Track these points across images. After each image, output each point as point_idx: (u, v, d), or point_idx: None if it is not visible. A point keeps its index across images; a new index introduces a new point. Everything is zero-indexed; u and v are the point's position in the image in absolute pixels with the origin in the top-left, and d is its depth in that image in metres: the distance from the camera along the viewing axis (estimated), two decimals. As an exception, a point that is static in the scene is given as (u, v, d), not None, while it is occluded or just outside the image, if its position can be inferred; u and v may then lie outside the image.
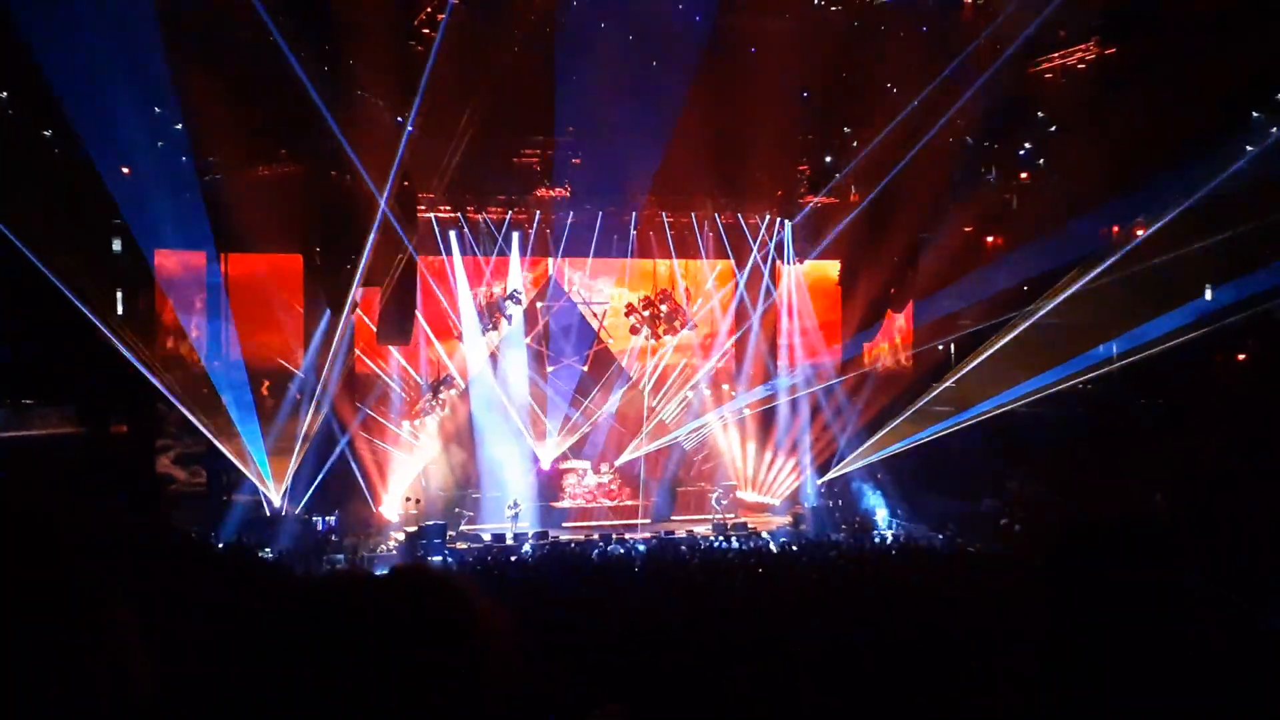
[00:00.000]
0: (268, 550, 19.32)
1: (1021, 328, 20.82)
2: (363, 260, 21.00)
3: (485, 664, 1.44)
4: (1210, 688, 1.84)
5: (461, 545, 21.58)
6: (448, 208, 23.51)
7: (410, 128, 20.37)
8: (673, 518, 24.64)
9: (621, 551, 19.42)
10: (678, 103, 20.56)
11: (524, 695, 1.49)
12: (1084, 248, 20.18)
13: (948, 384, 22.77)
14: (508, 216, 24.08)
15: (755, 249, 25.10)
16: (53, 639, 1.43)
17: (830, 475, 24.78)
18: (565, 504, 24.67)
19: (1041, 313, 20.60)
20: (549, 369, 25.18)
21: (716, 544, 20.85)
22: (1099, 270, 19.70)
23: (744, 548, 20.02)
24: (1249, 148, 17.66)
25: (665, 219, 24.75)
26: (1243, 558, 12.84)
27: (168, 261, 21.63)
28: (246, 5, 17.48)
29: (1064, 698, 1.85)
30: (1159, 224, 18.97)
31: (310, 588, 1.50)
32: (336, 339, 21.90)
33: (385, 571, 1.57)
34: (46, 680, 1.40)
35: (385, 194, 20.43)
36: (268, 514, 21.54)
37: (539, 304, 25.06)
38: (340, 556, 19.78)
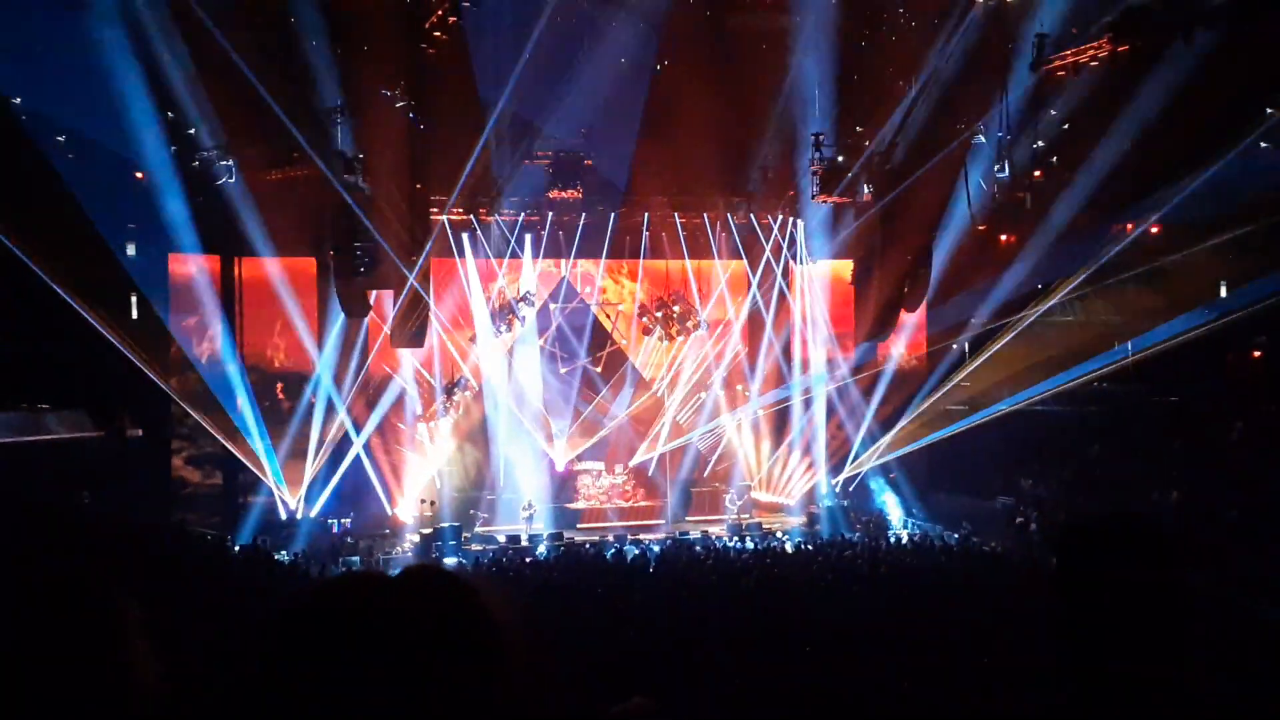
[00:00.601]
0: (284, 553, 19.39)
1: (1028, 321, 20.74)
2: (376, 264, 21.06)
3: (497, 661, 1.44)
4: (1214, 685, 1.83)
5: (476, 547, 21.57)
6: (460, 210, 23.51)
7: (423, 126, 20.43)
8: (687, 518, 24.60)
9: (636, 552, 19.37)
10: (689, 102, 20.51)
11: (537, 693, 1.49)
12: (1097, 247, 20.07)
13: (961, 382, 22.67)
14: (520, 219, 24.09)
15: (768, 249, 25.03)
16: (59, 639, 1.45)
17: (845, 474, 24.70)
18: (580, 505, 24.64)
19: (1043, 308, 20.51)
20: (562, 370, 25.15)
21: (731, 544, 20.81)
22: (1098, 266, 19.62)
23: (759, 548, 19.96)
24: (1263, 144, 17.56)
25: (678, 220, 24.70)
26: (1252, 555, 12.77)
27: (181, 266, 21.71)
28: (261, 9, 17.56)
29: (1070, 697, 1.84)
30: (1157, 215, 18.89)
31: (321, 588, 1.50)
32: (352, 341, 22.08)
33: (397, 572, 1.58)
34: (51, 679, 1.42)
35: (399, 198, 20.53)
36: (284, 517, 21.64)
37: (551, 305, 25.01)
38: (356, 559, 19.80)
